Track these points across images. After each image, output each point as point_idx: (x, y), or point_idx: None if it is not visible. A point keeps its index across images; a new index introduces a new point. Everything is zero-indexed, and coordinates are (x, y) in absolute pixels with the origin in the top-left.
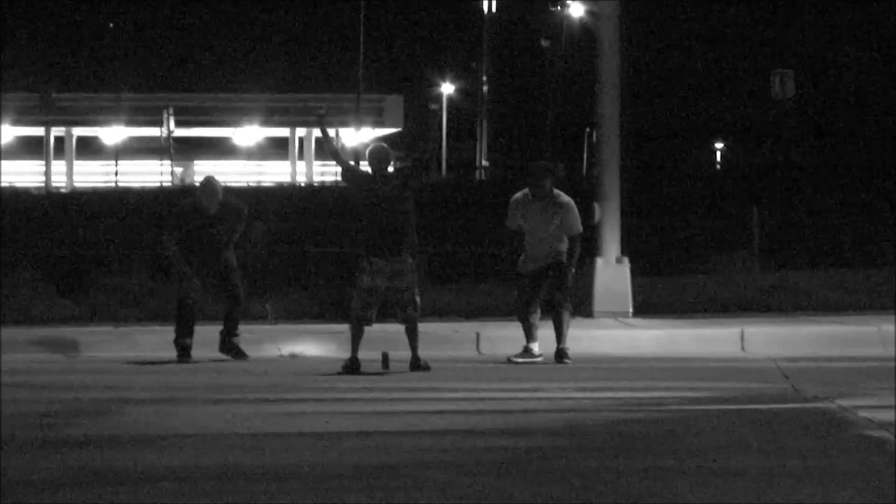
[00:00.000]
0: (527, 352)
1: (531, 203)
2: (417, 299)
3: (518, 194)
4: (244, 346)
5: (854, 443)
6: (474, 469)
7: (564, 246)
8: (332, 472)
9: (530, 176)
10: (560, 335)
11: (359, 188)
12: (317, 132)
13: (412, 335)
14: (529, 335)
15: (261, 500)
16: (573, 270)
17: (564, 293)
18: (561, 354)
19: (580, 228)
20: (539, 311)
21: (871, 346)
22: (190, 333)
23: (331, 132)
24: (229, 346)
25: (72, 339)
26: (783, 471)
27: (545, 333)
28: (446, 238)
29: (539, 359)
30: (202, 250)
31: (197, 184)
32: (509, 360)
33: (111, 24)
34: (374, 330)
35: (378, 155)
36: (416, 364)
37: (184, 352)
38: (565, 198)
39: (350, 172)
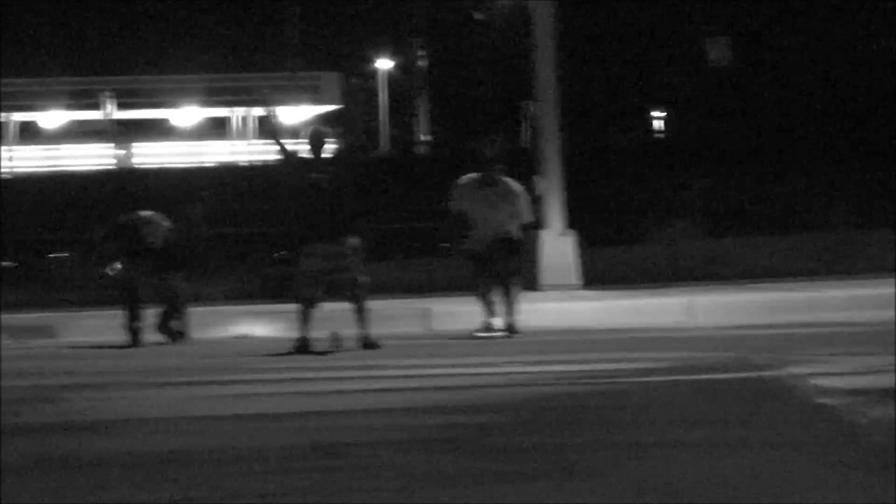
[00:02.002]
0: (488, 327)
1: (479, 189)
2: (362, 278)
3: (464, 178)
4: (192, 329)
5: (806, 411)
6: (423, 447)
7: (512, 226)
8: (280, 454)
9: (482, 165)
10: (510, 310)
11: (296, 173)
12: (255, 112)
13: (360, 314)
14: (490, 312)
15: (207, 483)
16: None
17: (515, 268)
18: (510, 329)
19: (532, 217)
20: (496, 288)
21: (818, 311)
22: (137, 317)
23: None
24: (167, 328)
25: (16, 325)
26: (735, 442)
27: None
28: (390, 215)
29: (501, 333)
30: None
31: (136, 166)
32: (472, 336)
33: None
34: (324, 309)
35: (315, 139)
36: (366, 342)
37: (133, 335)
38: (516, 186)
39: (289, 159)
